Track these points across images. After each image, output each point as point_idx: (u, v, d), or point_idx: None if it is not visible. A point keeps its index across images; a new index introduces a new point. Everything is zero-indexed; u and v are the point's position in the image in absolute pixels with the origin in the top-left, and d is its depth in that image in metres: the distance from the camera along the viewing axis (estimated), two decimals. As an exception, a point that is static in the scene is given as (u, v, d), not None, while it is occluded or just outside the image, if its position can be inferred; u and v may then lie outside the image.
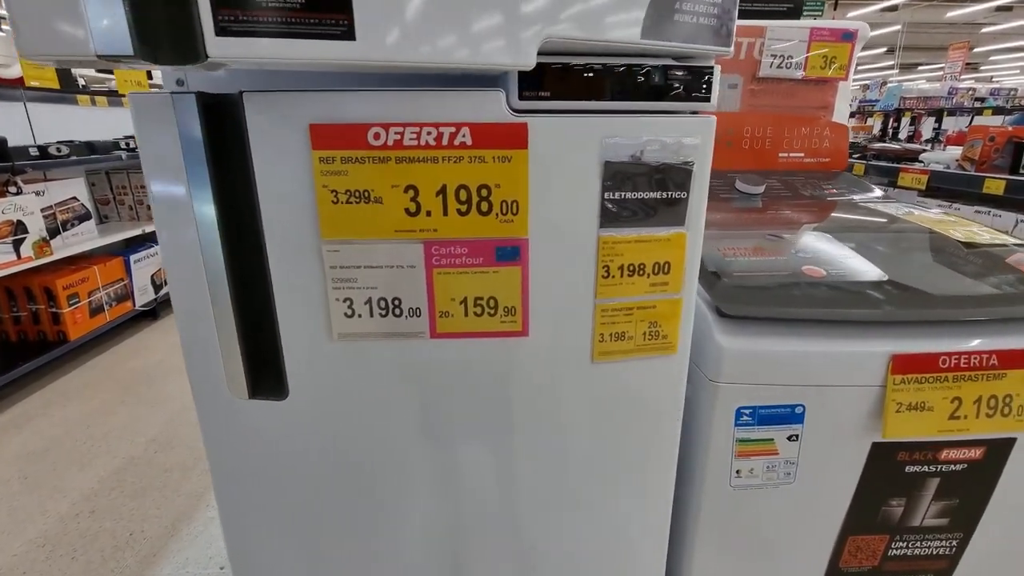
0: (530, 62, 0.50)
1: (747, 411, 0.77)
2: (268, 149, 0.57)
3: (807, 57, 1.34)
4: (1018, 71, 18.28)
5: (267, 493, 0.73)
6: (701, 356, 0.78)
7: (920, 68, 18.45)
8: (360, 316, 0.62)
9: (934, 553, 0.89)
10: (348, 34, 0.44)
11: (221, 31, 0.42)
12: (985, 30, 13.25)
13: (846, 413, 0.77)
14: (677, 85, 0.59)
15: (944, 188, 3.02)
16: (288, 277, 0.62)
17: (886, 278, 0.83)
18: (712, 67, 0.59)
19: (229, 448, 0.71)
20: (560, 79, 0.56)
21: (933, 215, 1.11)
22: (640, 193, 0.62)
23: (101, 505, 1.97)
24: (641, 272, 0.65)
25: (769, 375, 0.75)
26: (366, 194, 0.58)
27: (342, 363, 0.65)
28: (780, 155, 1.39)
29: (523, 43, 0.49)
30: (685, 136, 0.61)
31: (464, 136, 0.56)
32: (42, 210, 2.67)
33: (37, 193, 2.67)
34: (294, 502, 0.73)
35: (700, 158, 0.62)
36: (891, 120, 4.64)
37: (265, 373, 0.67)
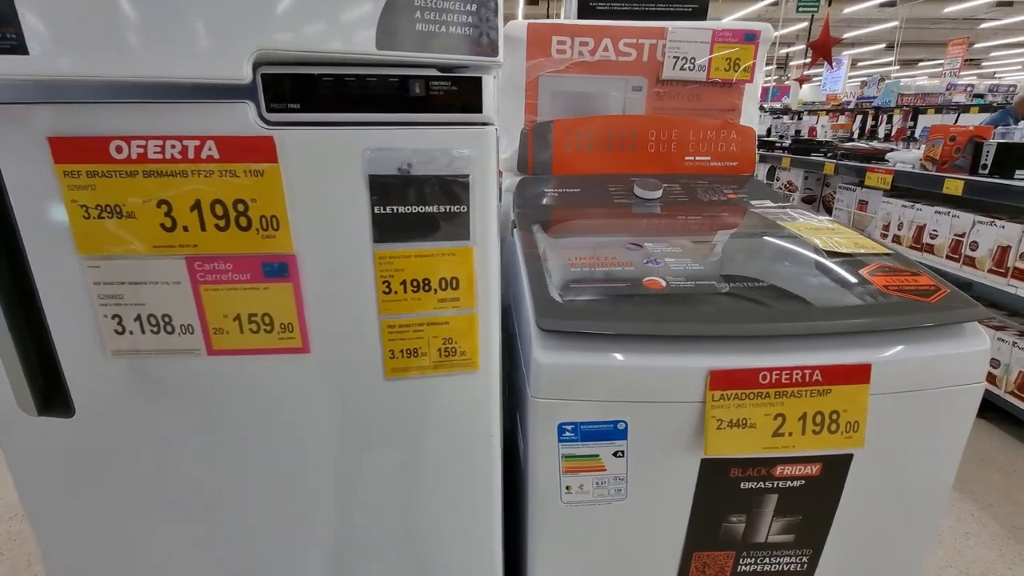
0: (241, 75, 0.48)
1: (569, 427, 0.75)
2: (16, 163, 0.55)
3: (710, 59, 1.32)
4: (1020, 67, 18.07)
5: (73, 507, 0.72)
6: (528, 371, 0.76)
7: (921, 64, 18.26)
8: (132, 333, 0.61)
9: (785, 569, 0.87)
10: (19, 48, 0.43)
11: None
12: (985, 26, 13.10)
13: (671, 429, 0.75)
14: (441, 96, 0.57)
15: (906, 188, 2.99)
16: (57, 294, 0.60)
17: (725, 289, 0.81)
18: (479, 78, 0.58)
19: (30, 463, 0.70)
20: (308, 91, 0.54)
21: (816, 223, 1.08)
22: (414, 207, 0.60)
23: (35, 507, 1.97)
24: (427, 288, 0.63)
25: (587, 391, 0.73)
26: (117, 209, 0.56)
27: (122, 381, 0.64)
28: (686, 159, 1.37)
29: (230, 56, 0.47)
30: (457, 148, 0.59)
31: (211, 150, 0.55)
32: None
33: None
34: (98, 516, 0.71)
35: (478, 171, 0.60)
36: (869, 118, 4.59)
37: (55, 391, 0.66)
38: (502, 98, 1.39)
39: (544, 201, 1.23)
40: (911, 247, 2.97)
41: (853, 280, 0.85)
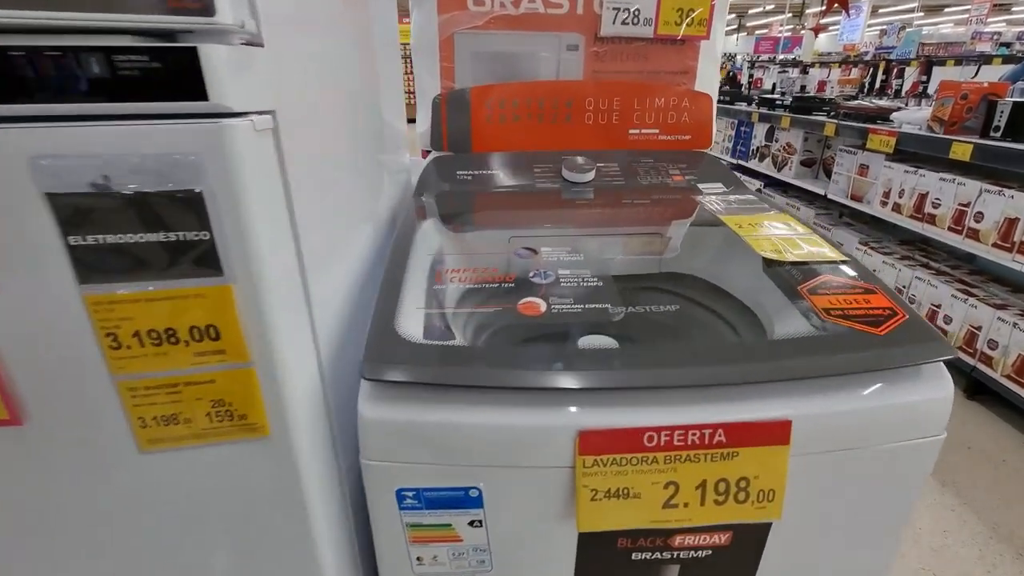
0: None
1: (410, 493, 0.60)
2: None
3: (658, 10, 1.10)
4: (1054, 12, 16.94)
5: None
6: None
7: (947, 10, 17.18)
8: None
9: (696, 640, 0.74)
10: None
11: None
12: (1017, -34, 12.18)
13: (539, 497, 0.60)
14: (138, 77, 0.39)
15: (912, 152, 2.74)
16: None
17: (620, 315, 0.64)
18: (193, 49, 0.39)
19: None
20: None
21: (766, 216, 0.89)
22: (127, 236, 0.43)
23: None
24: (173, 339, 0.47)
25: (428, 453, 0.58)
26: None
27: None
28: (631, 132, 1.17)
29: None
30: (177, 152, 0.41)
31: None
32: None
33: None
34: None
35: (219, 181, 0.43)
36: (880, 71, 4.23)
37: None
38: (416, 61, 1.18)
39: (451, 187, 1.04)
40: (911, 216, 2.74)
41: (788, 301, 0.68)
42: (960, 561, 1.71)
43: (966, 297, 2.41)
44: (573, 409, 0.56)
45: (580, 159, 1.07)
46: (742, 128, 4.38)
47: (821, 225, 3.41)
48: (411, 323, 0.63)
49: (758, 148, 4.14)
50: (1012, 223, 2.22)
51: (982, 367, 2.36)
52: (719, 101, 4.33)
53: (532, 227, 0.90)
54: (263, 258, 0.47)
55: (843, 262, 0.75)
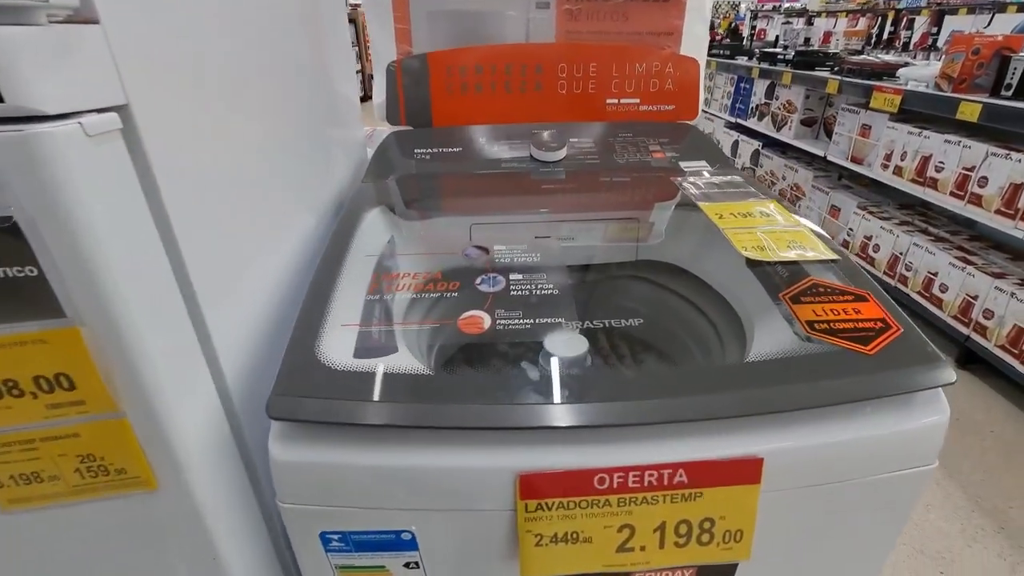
0: None
1: (335, 536, 0.54)
2: None
3: (639, -40, 0.97)
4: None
5: None
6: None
7: (962, -48, 16.32)
8: None
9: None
10: None
11: None
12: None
13: (481, 540, 0.54)
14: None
15: (918, 112, 2.59)
16: None
17: (576, 329, 0.56)
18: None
19: None
20: None
21: (751, 204, 0.80)
22: (-71, 275, 0.34)
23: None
24: (16, 391, 0.39)
25: (350, 496, 0.51)
26: None
27: None
28: (608, 102, 1.05)
29: None
30: (-26, 171, 0.32)
31: None
32: None
33: None
34: None
35: (35, 204, 0.34)
36: (888, 22, 4.00)
37: None
38: (369, 19, 1.05)
39: (407, 168, 0.94)
40: (912, 180, 2.63)
41: (769, 311, 0.59)
42: (942, 536, 1.70)
43: (964, 265, 2.34)
44: (512, 449, 0.49)
45: (548, 135, 0.96)
46: (742, 84, 4.19)
47: (819, 188, 3.29)
48: (335, 344, 0.55)
49: (758, 106, 3.96)
50: (1018, 188, 2.12)
51: (976, 336, 2.31)
52: (718, 55, 4.11)
53: (491, 216, 0.81)
54: (118, 292, 0.38)
55: (833, 261, 0.67)
